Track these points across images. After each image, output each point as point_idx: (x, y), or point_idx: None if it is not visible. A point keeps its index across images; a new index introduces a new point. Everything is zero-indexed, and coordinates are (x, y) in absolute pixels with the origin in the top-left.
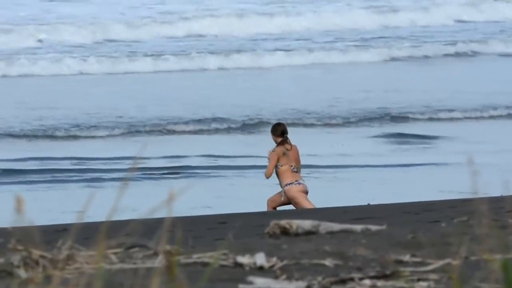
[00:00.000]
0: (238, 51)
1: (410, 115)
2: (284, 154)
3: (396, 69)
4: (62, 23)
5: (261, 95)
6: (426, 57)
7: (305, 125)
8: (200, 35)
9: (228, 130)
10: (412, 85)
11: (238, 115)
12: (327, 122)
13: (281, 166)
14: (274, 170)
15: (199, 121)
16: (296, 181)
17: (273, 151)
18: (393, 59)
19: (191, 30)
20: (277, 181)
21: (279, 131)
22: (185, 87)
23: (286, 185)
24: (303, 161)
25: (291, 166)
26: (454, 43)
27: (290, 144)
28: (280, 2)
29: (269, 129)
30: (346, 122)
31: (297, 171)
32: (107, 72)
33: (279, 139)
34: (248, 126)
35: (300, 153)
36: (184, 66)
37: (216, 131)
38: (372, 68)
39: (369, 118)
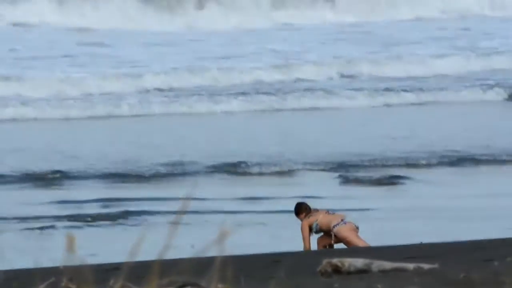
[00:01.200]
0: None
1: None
2: (309, 217)
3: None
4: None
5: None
6: None
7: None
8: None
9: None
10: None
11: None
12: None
13: (316, 221)
14: (312, 236)
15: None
16: (341, 220)
17: (301, 223)
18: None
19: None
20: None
21: (303, 210)
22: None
23: (334, 226)
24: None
25: (325, 212)
26: None
27: (316, 210)
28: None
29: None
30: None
31: (334, 213)
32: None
33: (303, 215)
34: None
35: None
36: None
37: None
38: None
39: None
